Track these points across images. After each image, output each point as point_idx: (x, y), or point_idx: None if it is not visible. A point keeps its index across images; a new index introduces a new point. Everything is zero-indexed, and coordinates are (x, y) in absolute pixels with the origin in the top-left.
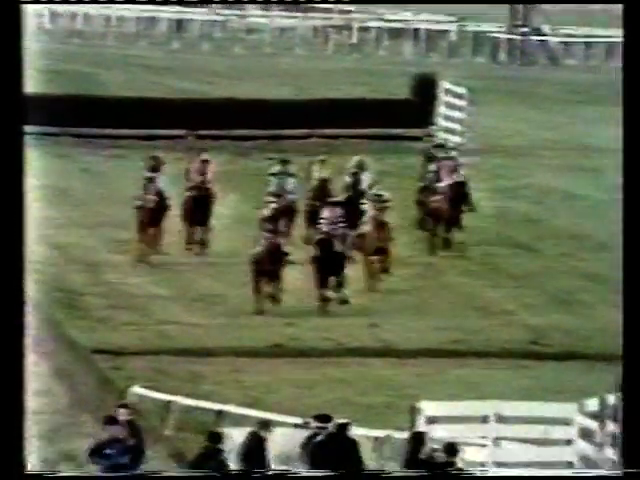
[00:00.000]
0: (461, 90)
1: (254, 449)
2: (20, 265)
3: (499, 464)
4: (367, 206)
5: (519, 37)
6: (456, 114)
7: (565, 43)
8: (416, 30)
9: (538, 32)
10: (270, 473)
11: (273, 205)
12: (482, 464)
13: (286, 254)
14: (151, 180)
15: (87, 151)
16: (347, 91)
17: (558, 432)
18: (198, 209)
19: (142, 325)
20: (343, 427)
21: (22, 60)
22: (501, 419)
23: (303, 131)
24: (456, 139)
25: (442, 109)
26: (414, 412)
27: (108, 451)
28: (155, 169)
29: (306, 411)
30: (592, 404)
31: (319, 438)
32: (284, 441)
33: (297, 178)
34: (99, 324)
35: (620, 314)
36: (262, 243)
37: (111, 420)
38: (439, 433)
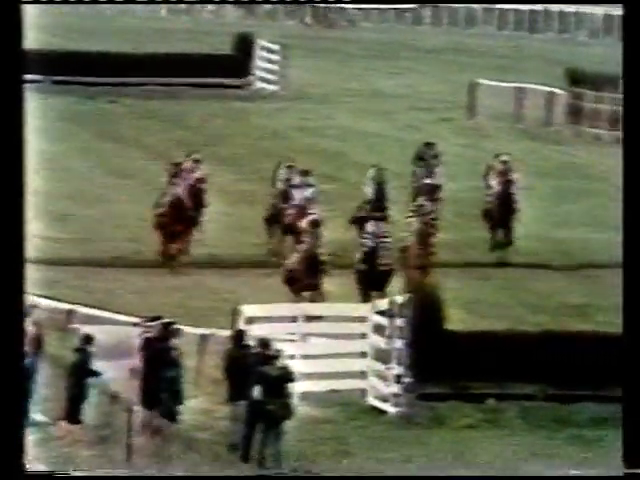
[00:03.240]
0: (275, 47)
1: (82, 363)
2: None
3: (306, 356)
4: (411, 218)
5: (323, 5)
6: (271, 67)
7: (361, 9)
8: None
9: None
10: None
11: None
12: (292, 356)
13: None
14: (171, 186)
15: None
16: (178, 47)
17: (355, 328)
18: (191, 210)
19: None
20: (169, 324)
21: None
22: (308, 318)
23: (140, 79)
24: (271, 87)
25: (259, 62)
26: (235, 314)
27: None
28: (176, 175)
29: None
30: (383, 304)
31: (148, 335)
32: (115, 337)
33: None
34: None
35: None
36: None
37: None
38: (256, 331)
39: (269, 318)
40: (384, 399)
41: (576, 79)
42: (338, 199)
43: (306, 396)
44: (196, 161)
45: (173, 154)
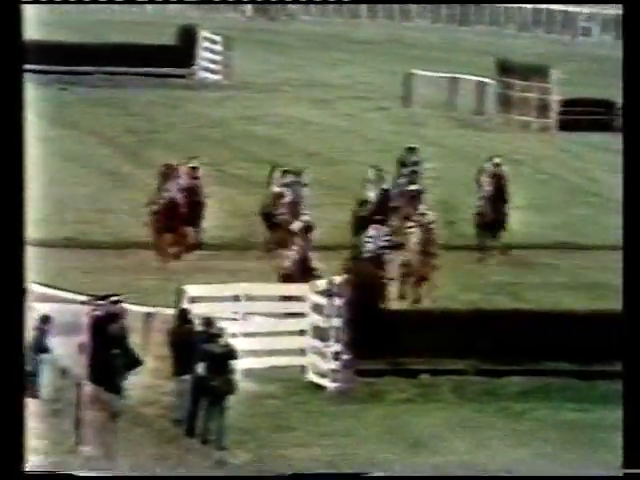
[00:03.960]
0: (217, 38)
1: (37, 341)
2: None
3: (248, 334)
4: (412, 229)
5: None
6: (213, 57)
7: (301, 2)
8: None
9: None
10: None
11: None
12: (234, 334)
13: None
14: (163, 187)
15: None
16: (125, 37)
17: (295, 307)
18: (190, 212)
19: None
20: (116, 303)
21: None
22: (249, 298)
23: (90, 68)
24: (214, 77)
25: (202, 53)
26: (180, 293)
27: None
28: (167, 176)
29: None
30: (321, 284)
31: (97, 312)
32: (67, 314)
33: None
34: None
35: None
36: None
37: None
38: (200, 310)
39: (212, 298)
40: (323, 375)
41: (505, 69)
42: None
43: (248, 372)
44: (193, 168)
45: (121, 140)
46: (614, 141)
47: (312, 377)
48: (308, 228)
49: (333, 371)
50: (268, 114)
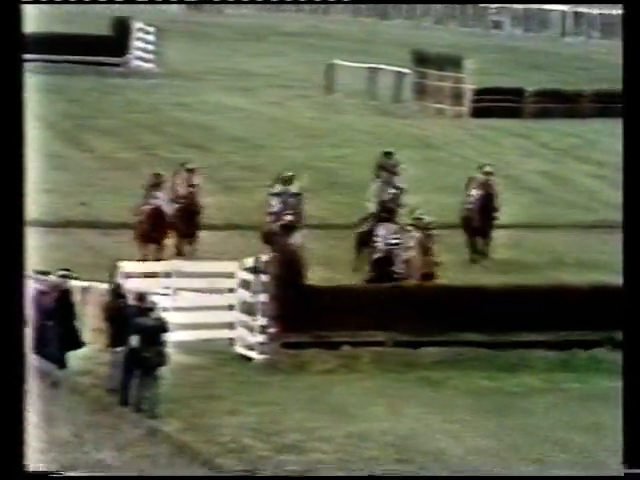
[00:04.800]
0: (150, 29)
1: None
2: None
3: (179, 308)
4: (412, 231)
5: None
6: (147, 47)
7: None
8: None
9: None
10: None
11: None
12: (166, 309)
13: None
14: (150, 196)
15: None
16: (62, 28)
17: (223, 283)
18: (186, 220)
19: None
20: (63, 277)
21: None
22: (180, 274)
23: (31, 56)
24: (147, 65)
25: (136, 43)
26: (114, 270)
27: None
28: (156, 185)
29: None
30: (249, 262)
31: (39, 287)
32: None
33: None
34: None
35: None
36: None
37: None
38: (133, 285)
39: (145, 273)
40: (250, 347)
41: (421, 60)
42: (207, 168)
43: (180, 345)
44: (189, 170)
45: (62, 125)
46: (524, 126)
47: (240, 349)
48: (286, 227)
49: (260, 344)
50: (197, 101)
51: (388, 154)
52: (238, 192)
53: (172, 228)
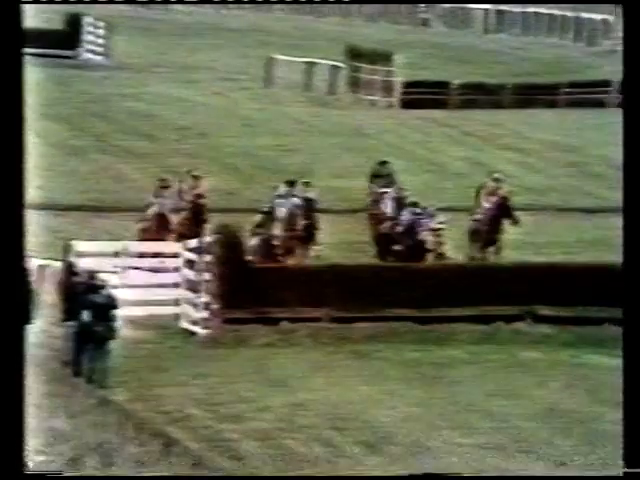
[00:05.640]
0: (100, 23)
1: None
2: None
3: (127, 286)
4: (427, 236)
5: None
6: (97, 40)
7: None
8: None
9: None
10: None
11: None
12: (115, 286)
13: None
14: (155, 202)
15: None
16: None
17: (169, 262)
18: (191, 227)
19: None
20: None
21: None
22: (129, 254)
23: None
24: (97, 58)
25: (87, 37)
26: (67, 248)
27: None
28: (163, 189)
29: None
30: (193, 242)
31: None
32: None
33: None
34: None
35: None
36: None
37: None
38: (85, 264)
39: (96, 253)
40: (194, 323)
41: (354, 55)
42: (153, 154)
43: (128, 320)
44: (195, 177)
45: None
46: (450, 116)
47: (185, 324)
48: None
49: (203, 319)
50: (144, 92)
51: (384, 163)
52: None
53: (177, 234)
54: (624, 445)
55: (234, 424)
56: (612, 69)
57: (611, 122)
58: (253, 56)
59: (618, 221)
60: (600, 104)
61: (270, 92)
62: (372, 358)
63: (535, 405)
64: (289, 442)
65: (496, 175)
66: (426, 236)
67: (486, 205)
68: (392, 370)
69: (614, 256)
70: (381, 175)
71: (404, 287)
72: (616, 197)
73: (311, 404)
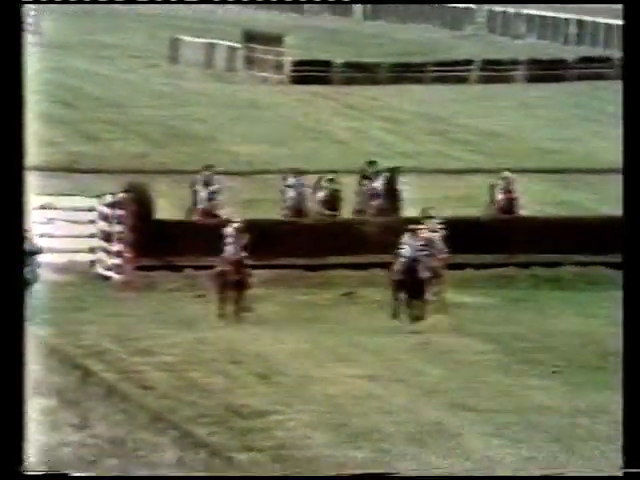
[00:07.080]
0: (32, 6)
1: None
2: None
3: (50, 235)
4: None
5: None
6: (30, 21)
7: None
8: None
9: None
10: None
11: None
12: (41, 235)
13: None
14: (201, 192)
15: None
16: None
17: (86, 215)
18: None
19: None
20: None
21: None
22: (52, 207)
23: None
24: (29, 37)
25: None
26: None
27: None
28: (207, 183)
29: None
30: (109, 198)
31: None
32: None
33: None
34: None
35: None
36: None
37: None
38: None
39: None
40: (109, 269)
41: (249, 37)
42: (74, 122)
43: (50, 265)
44: (209, 174)
45: None
46: (334, 91)
47: (100, 270)
48: (241, 229)
49: (116, 266)
50: (67, 66)
51: (372, 163)
52: (100, 143)
53: None
54: (623, 445)
55: (145, 358)
56: (473, 50)
57: (473, 97)
58: (160, 38)
59: (480, 180)
60: (463, 80)
61: (175, 69)
62: (265, 301)
63: (408, 339)
64: (193, 374)
65: (505, 174)
66: None
67: (499, 202)
68: (282, 311)
69: (476, 210)
70: (369, 176)
71: (293, 239)
72: (478, 159)
73: (212, 341)
